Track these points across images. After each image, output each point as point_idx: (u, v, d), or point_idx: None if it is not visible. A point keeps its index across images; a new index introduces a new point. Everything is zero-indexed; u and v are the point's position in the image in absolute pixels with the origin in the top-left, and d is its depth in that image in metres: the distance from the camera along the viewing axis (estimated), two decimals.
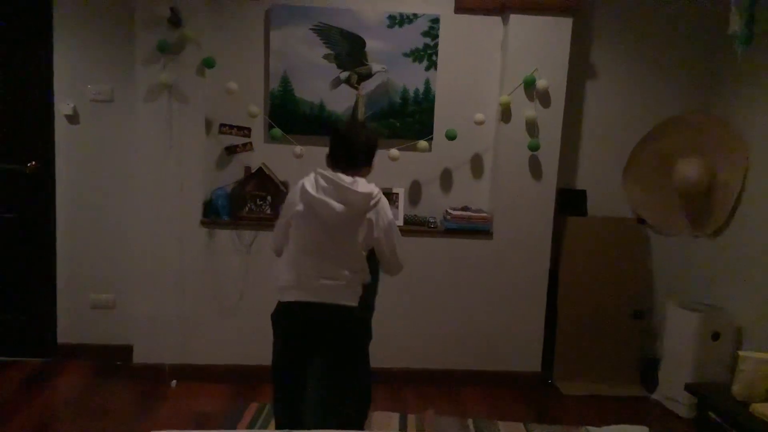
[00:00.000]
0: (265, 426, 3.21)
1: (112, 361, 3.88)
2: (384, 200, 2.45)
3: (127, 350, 3.79)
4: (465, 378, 3.87)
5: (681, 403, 3.57)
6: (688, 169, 3.79)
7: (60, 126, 3.82)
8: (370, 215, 2.40)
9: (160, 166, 3.62)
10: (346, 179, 2.38)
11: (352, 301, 2.42)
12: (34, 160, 3.81)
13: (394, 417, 3.39)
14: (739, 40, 2.85)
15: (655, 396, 3.80)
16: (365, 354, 2.58)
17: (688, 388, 3.30)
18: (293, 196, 2.47)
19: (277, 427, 2.51)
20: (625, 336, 3.95)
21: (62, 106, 3.78)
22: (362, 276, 2.45)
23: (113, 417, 3.29)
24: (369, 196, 2.38)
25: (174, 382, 3.69)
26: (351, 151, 2.46)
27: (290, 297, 2.42)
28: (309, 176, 2.44)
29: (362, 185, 2.40)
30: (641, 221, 4.02)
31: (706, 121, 3.89)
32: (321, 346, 2.41)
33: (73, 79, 3.79)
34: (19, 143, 3.81)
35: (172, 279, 3.70)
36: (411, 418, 3.39)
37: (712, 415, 3.15)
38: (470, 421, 3.39)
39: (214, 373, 3.75)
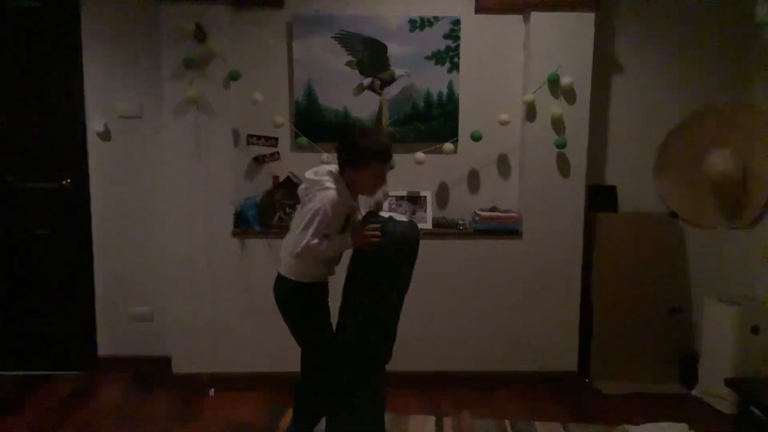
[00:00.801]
0: None
1: (151, 372, 3.95)
2: (326, 194, 2.55)
3: (165, 361, 3.86)
4: (500, 379, 3.85)
5: (722, 399, 3.50)
6: (720, 160, 3.72)
7: (93, 143, 3.91)
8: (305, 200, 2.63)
9: (191, 178, 3.69)
10: (316, 170, 2.66)
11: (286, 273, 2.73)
12: (68, 177, 3.91)
13: (430, 420, 3.39)
14: (766, 27, 2.80)
15: (694, 392, 3.73)
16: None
17: (729, 383, 3.23)
18: None
19: None
20: (662, 332, 3.89)
21: (94, 124, 3.88)
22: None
23: (153, 428, 3.35)
24: (307, 181, 2.63)
25: (212, 390, 3.74)
26: (338, 150, 2.67)
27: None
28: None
29: (318, 173, 2.63)
30: (673, 215, 3.95)
31: (736, 111, 3.81)
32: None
33: (103, 97, 3.88)
34: (53, 162, 3.91)
35: (206, 290, 3.76)
36: (447, 421, 3.39)
37: (755, 410, 3.09)
38: (507, 423, 3.37)
39: (250, 381, 3.79)
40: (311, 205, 2.55)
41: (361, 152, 2.58)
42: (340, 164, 2.65)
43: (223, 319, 3.79)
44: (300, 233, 2.55)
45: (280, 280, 2.77)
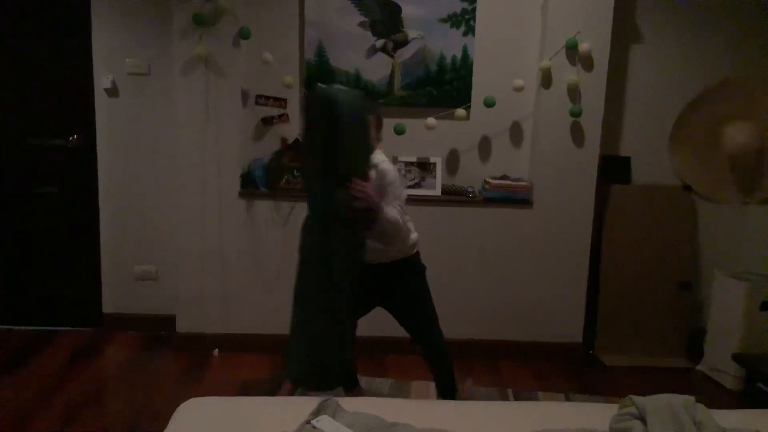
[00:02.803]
0: (304, 393, 3.24)
1: (156, 330, 3.97)
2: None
3: (170, 320, 3.87)
4: (505, 348, 3.84)
5: (728, 375, 3.49)
6: (738, 134, 3.65)
7: (100, 100, 3.86)
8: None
9: (198, 137, 3.64)
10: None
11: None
12: (75, 134, 3.87)
13: (432, 386, 3.38)
14: None
15: (700, 367, 3.72)
16: None
17: (736, 358, 3.22)
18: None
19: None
20: (670, 306, 3.86)
21: (101, 80, 3.82)
22: None
23: (158, 385, 3.37)
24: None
25: (216, 351, 3.76)
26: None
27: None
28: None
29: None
30: (687, 188, 3.89)
31: (757, 84, 3.72)
32: None
33: (112, 54, 3.82)
34: (60, 118, 3.87)
35: (212, 250, 3.74)
36: None
37: (761, 385, 3.08)
38: (510, 391, 3.38)
39: (255, 343, 3.79)
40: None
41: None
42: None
43: (228, 279, 3.78)
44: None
45: (406, 261, 2.75)
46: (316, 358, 2.52)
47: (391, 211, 2.52)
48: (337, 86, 2.49)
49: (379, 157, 2.62)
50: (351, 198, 2.42)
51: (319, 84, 2.52)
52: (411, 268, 2.78)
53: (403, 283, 2.77)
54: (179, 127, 3.65)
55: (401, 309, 2.84)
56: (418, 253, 2.80)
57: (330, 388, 2.55)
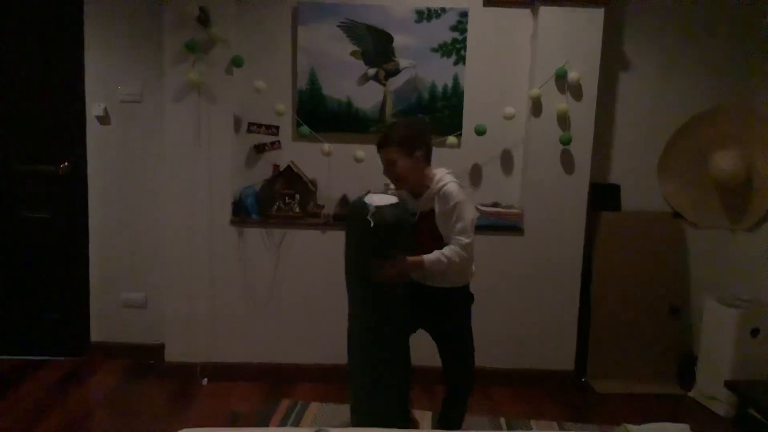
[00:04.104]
0: (297, 423, 3.21)
1: (144, 359, 3.91)
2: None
3: (159, 349, 3.82)
4: (496, 376, 3.81)
5: (719, 401, 3.49)
6: (725, 162, 3.70)
7: (91, 127, 3.85)
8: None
9: (190, 165, 3.64)
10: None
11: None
12: (66, 161, 3.85)
13: (427, 415, 3.36)
14: None
15: (692, 394, 3.71)
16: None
17: (728, 385, 3.23)
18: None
19: None
20: (660, 333, 3.87)
21: (93, 107, 3.82)
22: None
23: (146, 415, 3.31)
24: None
25: (205, 380, 3.71)
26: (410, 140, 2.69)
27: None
28: (452, 177, 2.69)
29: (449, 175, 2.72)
30: (677, 215, 3.93)
31: (744, 113, 3.79)
32: None
33: (104, 80, 3.82)
34: (51, 144, 3.85)
35: (202, 278, 3.71)
36: None
37: (753, 412, 3.08)
38: (502, 420, 3.35)
39: (245, 372, 3.75)
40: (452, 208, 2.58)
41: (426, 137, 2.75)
42: (409, 153, 2.66)
43: (219, 308, 3.74)
44: (461, 236, 2.57)
45: (451, 292, 2.75)
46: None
47: (431, 255, 2.57)
48: (382, 198, 2.56)
49: (442, 178, 2.63)
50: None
51: (365, 199, 2.56)
52: (463, 295, 2.81)
53: (454, 308, 2.80)
54: (170, 154, 3.64)
55: (446, 334, 2.85)
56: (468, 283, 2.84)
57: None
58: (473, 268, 2.79)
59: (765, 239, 3.68)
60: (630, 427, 1.88)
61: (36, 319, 3.96)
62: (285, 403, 3.43)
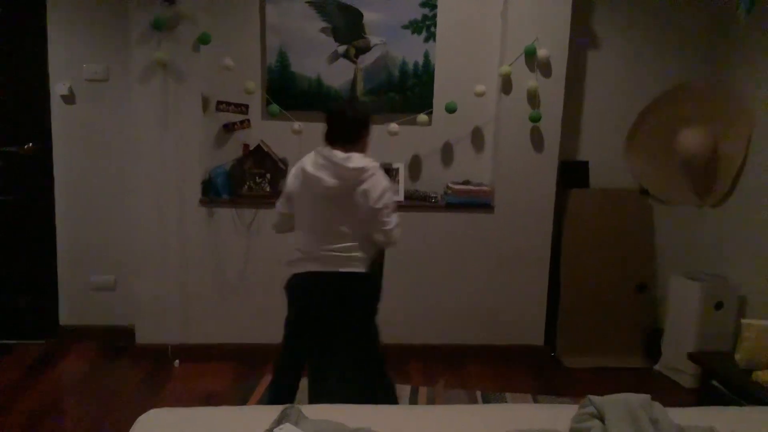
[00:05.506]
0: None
1: (114, 342, 3.88)
2: (380, 173, 2.54)
3: (129, 331, 3.79)
4: (469, 352, 3.87)
5: (684, 373, 3.58)
6: (691, 139, 3.75)
7: (56, 107, 3.77)
8: (365, 186, 2.48)
9: (158, 144, 3.59)
10: (339, 155, 2.49)
11: (358, 268, 2.56)
12: (31, 141, 3.78)
13: (406, 389, 3.40)
14: (742, 5, 2.81)
15: (657, 367, 3.80)
16: (373, 320, 2.69)
17: (692, 357, 3.30)
18: (290, 177, 2.63)
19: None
20: (628, 308, 3.94)
21: (58, 87, 3.74)
22: (367, 245, 2.58)
23: (117, 398, 3.30)
24: (362, 170, 2.48)
25: (177, 361, 3.70)
26: (343, 127, 2.56)
27: (300, 268, 2.59)
28: (309, 155, 2.58)
29: (355, 160, 2.49)
30: (644, 192, 3.98)
31: (710, 90, 3.83)
32: (330, 314, 2.58)
33: (69, 59, 3.73)
34: (15, 125, 3.77)
35: (172, 259, 3.68)
36: (422, 391, 3.41)
37: (716, 383, 3.15)
38: (478, 393, 3.40)
39: (217, 352, 3.75)
40: (378, 188, 2.49)
41: (367, 125, 2.62)
42: (351, 140, 2.54)
43: (189, 288, 3.72)
44: (387, 218, 2.52)
45: (357, 278, 2.56)
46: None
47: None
48: None
49: (366, 163, 2.50)
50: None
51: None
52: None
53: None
54: (138, 134, 3.59)
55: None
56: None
57: None
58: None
59: (730, 215, 3.75)
60: (593, 398, 1.92)
61: (4, 302, 3.90)
62: (263, 384, 3.41)
